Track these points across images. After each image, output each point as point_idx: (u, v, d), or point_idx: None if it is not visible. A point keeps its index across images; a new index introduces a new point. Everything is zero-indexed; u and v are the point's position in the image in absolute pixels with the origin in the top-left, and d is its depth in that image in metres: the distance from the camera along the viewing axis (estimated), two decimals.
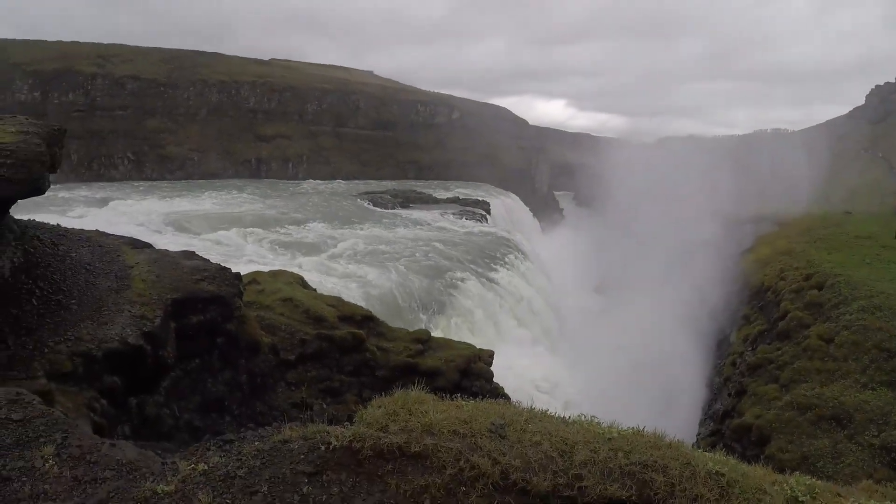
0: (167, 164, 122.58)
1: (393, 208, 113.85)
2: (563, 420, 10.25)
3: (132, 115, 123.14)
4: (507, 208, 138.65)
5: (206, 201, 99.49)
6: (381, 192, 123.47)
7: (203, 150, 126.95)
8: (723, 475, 9.14)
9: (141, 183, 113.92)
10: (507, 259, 79.51)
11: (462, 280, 64.01)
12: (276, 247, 71.00)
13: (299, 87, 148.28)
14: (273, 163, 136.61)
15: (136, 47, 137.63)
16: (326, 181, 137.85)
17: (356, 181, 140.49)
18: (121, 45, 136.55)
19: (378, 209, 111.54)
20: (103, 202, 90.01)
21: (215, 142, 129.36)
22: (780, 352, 46.58)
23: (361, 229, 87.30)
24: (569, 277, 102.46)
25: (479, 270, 69.97)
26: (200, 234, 72.52)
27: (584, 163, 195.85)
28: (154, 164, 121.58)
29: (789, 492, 9.42)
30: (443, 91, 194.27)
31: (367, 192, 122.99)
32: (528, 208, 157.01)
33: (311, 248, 71.60)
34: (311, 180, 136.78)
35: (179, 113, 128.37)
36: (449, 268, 66.43)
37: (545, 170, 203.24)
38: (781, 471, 10.69)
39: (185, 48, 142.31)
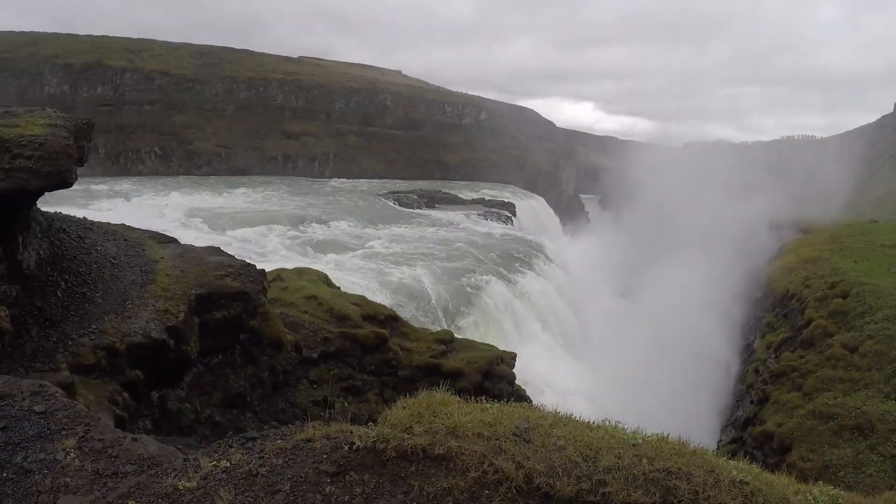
0: (194, 159, 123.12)
1: (418, 208, 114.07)
2: (588, 425, 10.16)
3: (160, 110, 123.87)
4: (532, 211, 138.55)
5: (232, 197, 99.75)
6: (408, 192, 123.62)
7: (230, 147, 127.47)
8: (747, 484, 9.03)
9: (168, 178, 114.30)
10: (531, 262, 79.25)
11: (486, 282, 63.87)
12: (302, 245, 71.10)
13: (328, 86, 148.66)
14: (300, 160, 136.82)
15: (166, 42, 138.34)
16: (352, 179, 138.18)
17: (382, 180, 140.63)
18: (150, 41, 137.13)
19: (404, 209, 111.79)
20: (130, 196, 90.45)
21: (242, 138, 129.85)
22: (803, 360, 46.21)
23: (387, 229, 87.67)
24: (593, 281, 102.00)
25: (504, 272, 69.74)
26: (226, 230, 72.70)
27: (610, 166, 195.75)
28: (181, 159, 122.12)
29: (813, 502, 9.31)
30: (471, 92, 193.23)
31: (392, 192, 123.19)
32: (553, 211, 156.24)
33: (336, 247, 71.64)
34: (337, 179, 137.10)
35: (207, 109, 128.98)
36: (473, 269, 66.28)
37: (571, 173, 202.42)
38: (803, 480, 10.58)
39: (215, 44, 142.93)
